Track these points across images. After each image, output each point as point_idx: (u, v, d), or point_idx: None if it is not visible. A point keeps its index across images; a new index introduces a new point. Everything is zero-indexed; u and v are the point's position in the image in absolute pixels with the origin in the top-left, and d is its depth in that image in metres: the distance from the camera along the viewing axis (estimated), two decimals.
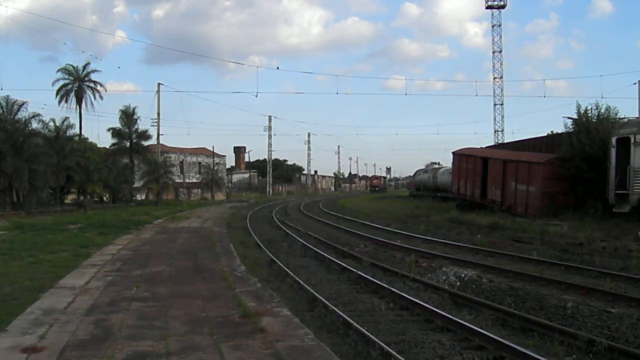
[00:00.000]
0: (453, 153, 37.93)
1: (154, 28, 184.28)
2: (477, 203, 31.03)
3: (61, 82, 51.21)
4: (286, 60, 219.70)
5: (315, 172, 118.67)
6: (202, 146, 73.08)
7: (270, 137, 79.77)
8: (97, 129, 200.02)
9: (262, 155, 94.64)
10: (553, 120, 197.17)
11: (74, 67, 51.78)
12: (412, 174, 69.13)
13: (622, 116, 25.28)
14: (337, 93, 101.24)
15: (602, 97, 63.39)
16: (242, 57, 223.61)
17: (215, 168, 67.23)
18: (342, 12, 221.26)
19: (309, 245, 17.76)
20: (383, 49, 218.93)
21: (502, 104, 55.96)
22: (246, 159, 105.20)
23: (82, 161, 40.96)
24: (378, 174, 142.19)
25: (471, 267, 13.01)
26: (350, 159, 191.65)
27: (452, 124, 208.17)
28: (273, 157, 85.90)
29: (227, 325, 7.11)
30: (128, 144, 51.11)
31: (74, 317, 7.52)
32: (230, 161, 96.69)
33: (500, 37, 56.27)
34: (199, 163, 71.88)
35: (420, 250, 16.18)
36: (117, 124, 51.05)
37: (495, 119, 55.87)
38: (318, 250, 16.34)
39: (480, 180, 31.15)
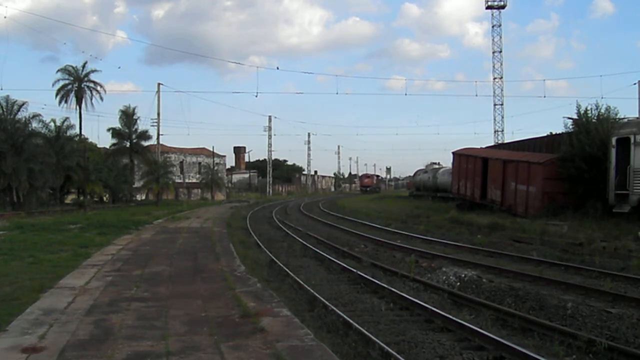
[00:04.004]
0: (453, 153, 37.95)
1: (153, 28, 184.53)
2: (477, 203, 31.04)
3: (61, 83, 51.26)
4: (286, 60, 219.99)
5: (315, 172, 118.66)
6: (202, 146, 73.20)
7: (270, 137, 79.94)
8: (97, 129, 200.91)
9: (262, 155, 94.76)
10: (553, 120, 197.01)
11: (73, 68, 51.84)
12: (412, 174, 69.07)
13: (622, 116, 25.29)
14: (337, 93, 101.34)
15: (602, 97, 63.64)
16: (242, 57, 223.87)
17: (215, 168, 67.22)
18: (343, 12, 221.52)
19: (309, 245, 17.76)
20: (383, 49, 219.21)
21: (502, 104, 56.05)
22: (246, 159, 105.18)
23: (82, 161, 40.97)
24: (372, 172, 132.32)
25: (471, 267, 13.02)
26: (350, 159, 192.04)
27: (452, 124, 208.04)
28: (273, 157, 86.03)
29: (227, 325, 7.11)
30: (128, 144, 51.06)
31: (74, 317, 7.51)
32: (230, 161, 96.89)
33: (500, 37, 56.42)
34: (199, 163, 71.89)
35: (420, 250, 16.18)
36: (117, 124, 51.03)
37: (495, 119, 55.98)
38: (318, 251, 16.35)
39: (480, 180, 31.16)
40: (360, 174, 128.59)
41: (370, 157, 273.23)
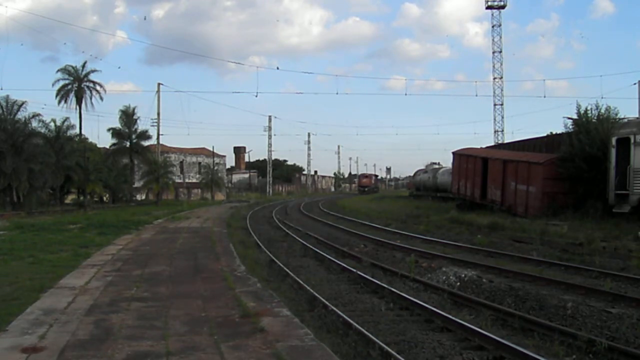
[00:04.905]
0: (453, 153, 37.96)
1: (153, 28, 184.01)
2: (477, 203, 31.04)
3: (61, 83, 51.45)
4: (286, 60, 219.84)
5: (315, 172, 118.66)
6: (202, 146, 73.20)
7: (270, 137, 79.95)
8: (97, 129, 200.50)
9: (262, 155, 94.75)
10: (553, 120, 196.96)
11: (73, 68, 51.99)
12: (412, 174, 69.04)
13: (622, 116, 25.27)
14: (337, 93, 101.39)
15: (602, 97, 63.53)
16: (242, 57, 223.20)
17: (215, 168, 67.23)
18: (343, 12, 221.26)
19: (308, 245, 17.75)
20: (383, 49, 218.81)
21: (502, 104, 56.02)
22: (246, 159, 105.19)
23: (82, 161, 41.01)
24: (371, 172, 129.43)
25: (471, 267, 13.01)
26: (350, 159, 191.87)
27: (452, 124, 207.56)
28: (273, 157, 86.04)
29: (227, 325, 7.11)
30: (128, 144, 51.10)
31: (74, 317, 7.52)
32: (230, 161, 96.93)
33: (500, 37, 56.39)
34: (199, 163, 71.91)
35: (420, 250, 16.18)
36: (117, 124, 51.09)
37: (495, 119, 55.95)
38: (318, 250, 16.34)
39: (480, 180, 31.16)
40: (358, 174, 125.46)
41: (370, 157, 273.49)
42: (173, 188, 57.50)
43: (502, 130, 55.57)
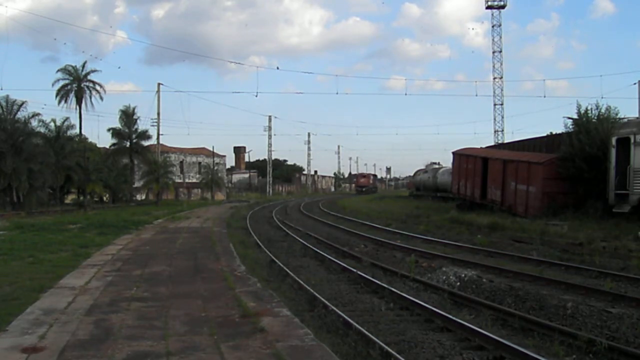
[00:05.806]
0: (453, 153, 37.97)
1: (154, 28, 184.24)
2: (477, 203, 31.05)
3: (61, 83, 51.38)
4: (286, 60, 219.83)
5: (315, 172, 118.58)
6: (202, 146, 73.16)
7: (270, 137, 79.98)
8: (97, 129, 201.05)
9: (262, 155, 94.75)
10: (553, 120, 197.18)
11: (73, 67, 51.94)
12: (412, 174, 68.99)
13: (622, 116, 25.27)
14: (337, 93, 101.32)
15: (602, 97, 63.61)
16: (242, 57, 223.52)
17: (215, 168, 67.23)
18: (343, 12, 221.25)
19: (309, 245, 17.75)
20: (383, 49, 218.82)
21: (502, 104, 56.03)
22: (246, 159, 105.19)
23: (82, 161, 40.99)
24: (371, 172, 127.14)
25: (471, 267, 13.01)
26: (350, 159, 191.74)
27: (452, 124, 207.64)
28: (273, 157, 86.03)
29: (227, 325, 7.11)
30: (128, 144, 51.07)
31: (74, 317, 7.52)
32: (230, 161, 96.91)
33: (500, 37, 56.39)
34: (199, 163, 71.89)
35: (420, 250, 16.18)
36: (117, 124, 50.98)
37: (495, 119, 55.95)
38: (318, 250, 16.34)
39: (480, 180, 31.17)
40: (356, 174, 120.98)
41: (370, 157, 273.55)
42: (173, 188, 57.47)
43: (502, 130, 55.66)
